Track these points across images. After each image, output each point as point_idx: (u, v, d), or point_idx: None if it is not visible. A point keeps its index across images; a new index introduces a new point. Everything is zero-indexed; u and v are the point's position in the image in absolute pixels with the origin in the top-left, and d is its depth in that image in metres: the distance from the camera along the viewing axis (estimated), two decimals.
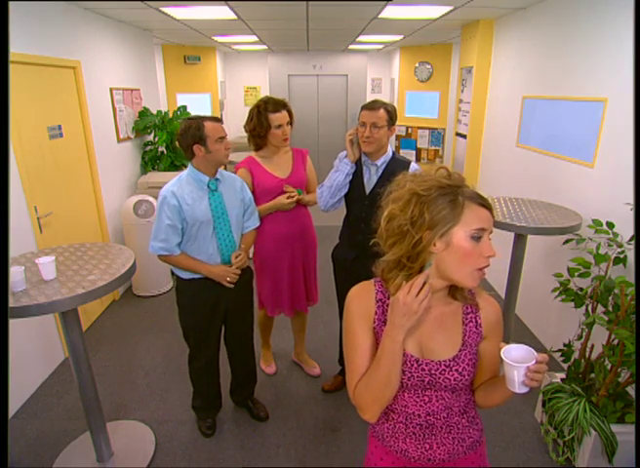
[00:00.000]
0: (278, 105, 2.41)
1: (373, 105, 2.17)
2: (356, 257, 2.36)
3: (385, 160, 2.26)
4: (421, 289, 1.00)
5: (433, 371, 1.09)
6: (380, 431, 1.23)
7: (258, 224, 2.40)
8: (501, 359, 0.99)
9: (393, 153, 2.31)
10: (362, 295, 1.15)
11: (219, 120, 2.11)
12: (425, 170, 1.09)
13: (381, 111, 2.15)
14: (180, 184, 2.11)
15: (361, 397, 1.11)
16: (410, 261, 1.04)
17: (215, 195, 2.15)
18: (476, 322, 1.14)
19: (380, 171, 2.26)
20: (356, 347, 1.12)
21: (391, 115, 2.19)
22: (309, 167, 2.65)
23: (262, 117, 2.39)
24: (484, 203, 1.01)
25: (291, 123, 2.49)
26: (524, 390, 0.99)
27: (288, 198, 2.47)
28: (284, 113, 2.42)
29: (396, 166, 2.23)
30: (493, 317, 1.15)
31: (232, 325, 2.44)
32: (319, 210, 2.43)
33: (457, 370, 1.09)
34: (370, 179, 2.29)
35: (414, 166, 2.27)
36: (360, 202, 2.30)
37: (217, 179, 2.16)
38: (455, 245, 1.00)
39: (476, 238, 0.99)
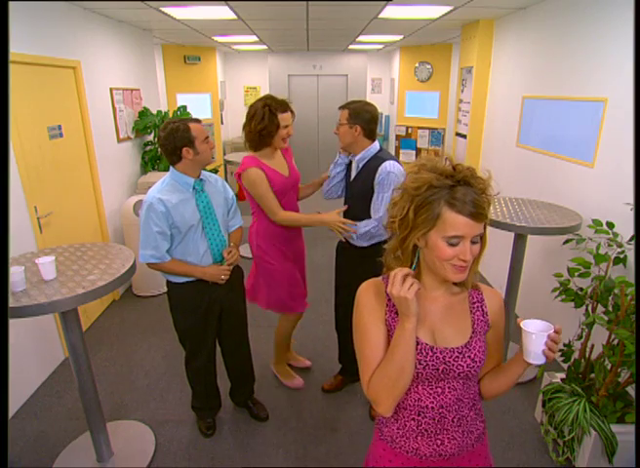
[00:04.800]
0: (285, 106, 2.43)
1: (342, 105, 2.34)
2: (341, 247, 2.57)
3: (364, 156, 2.34)
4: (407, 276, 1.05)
5: (447, 359, 1.11)
6: (388, 433, 1.22)
7: (242, 223, 2.45)
8: (521, 329, 1.03)
9: (378, 151, 2.33)
10: (372, 289, 1.16)
11: (199, 121, 2.13)
12: (429, 158, 1.09)
13: (343, 110, 2.32)
14: (164, 190, 2.08)
15: (375, 389, 1.09)
16: (401, 253, 1.12)
17: (201, 196, 2.16)
18: (483, 311, 1.17)
19: (360, 166, 2.37)
20: (368, 340, 1.12)
21: (354, 114, 2.27)
22: None
23: (274, 117, 2.36)
24: (462, 210, 0.99)
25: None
26: (540, 361, 1.03)
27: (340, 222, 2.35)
28: (289, 113, 2.46)
29: (371, 163, 2.32)
30: (497, 307, 1.20)
31: (227, 324, 2.42)
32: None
33: (469, 357, 1.12)
34: (353, 174, 2.44)
35: (386, 165, 2.22)
36: (345, 193, 2.54)
37: (201, 180, 2.17)
38: (431, 246, 1.05)
39: (451, 243, 1.02)
